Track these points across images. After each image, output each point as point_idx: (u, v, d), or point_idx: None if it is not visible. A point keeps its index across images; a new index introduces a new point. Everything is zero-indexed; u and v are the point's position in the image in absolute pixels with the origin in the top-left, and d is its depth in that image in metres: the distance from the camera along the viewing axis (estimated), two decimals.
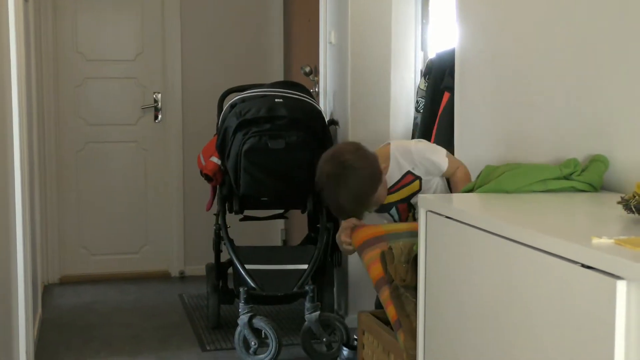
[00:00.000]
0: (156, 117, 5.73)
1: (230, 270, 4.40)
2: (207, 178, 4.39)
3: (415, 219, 2.83)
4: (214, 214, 4.44)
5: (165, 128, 5.75)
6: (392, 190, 3.01)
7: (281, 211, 4.81)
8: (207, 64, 5.75)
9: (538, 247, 1.46)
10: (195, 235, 5.70)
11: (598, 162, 2.09)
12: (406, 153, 3.01)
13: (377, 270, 2.51)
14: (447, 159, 2.98)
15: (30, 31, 4.55)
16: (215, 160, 4.31)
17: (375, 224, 2.80)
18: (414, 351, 2.15)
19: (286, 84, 4.48)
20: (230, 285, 4.40)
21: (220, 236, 4.37)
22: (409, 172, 3.01)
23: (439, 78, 3.60)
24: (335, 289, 4.43)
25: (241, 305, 3.93)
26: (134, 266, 5.74)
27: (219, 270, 4.45)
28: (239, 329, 3.90)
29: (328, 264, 4.36)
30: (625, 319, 1.24)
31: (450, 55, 3.31)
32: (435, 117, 3.59)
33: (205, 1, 5.75)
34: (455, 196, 2.51)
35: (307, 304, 3.93)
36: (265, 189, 4.18)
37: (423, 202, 1.99)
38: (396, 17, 4.30)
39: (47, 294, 5.27)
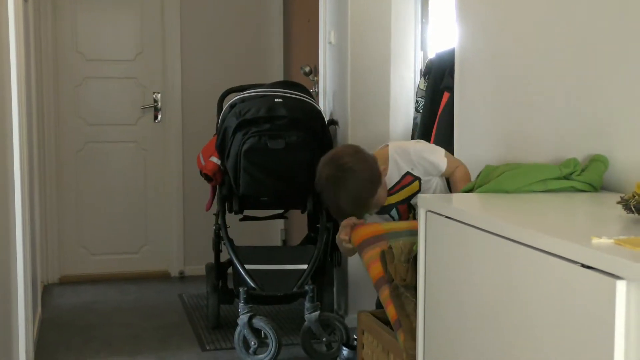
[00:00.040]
0: (156, 117, 5.73)
1: (230, 270, 4.40)
2: (207, 178, 4.39)
3: (415, 220, 2.83)
4: (214, 214, 4.44)
5: (165, 128, 5.76)
6: (391, 191, 3.01)
7: (281, 211, 4.81)
8: (206, 64, 5.75)
9: (538, 247, 1.46)
10: (195, 235, 5.70)
11: (598, 162, 2.09)
12: (405, 154, 3.01)
13: (377, 269, 2.51)
14: (445, 159, 2.98)
15: (30, 31, 4.55)
16: (215, 160, 4.31)
17: (374, 222, 2.80)
18: (414, 351, 2.15)
19: (286, 84, 4.48)
20: (230, 285, 4.40)
21: (220, 236, 4.37)
22: (408, 173, 3.01)
23: (439, 78, 3.60)
24: (335, 289, 4.43)
25: (241, 305, 3.93)
26: (133, 266, 5.74)
27: (218, 270, 4.45)
28: (238, 328, 3.90)
29: (328, 264, 4.36)
30: (625, 319, 1.24)
31: (450, 55, 3.31)
32: (435, 117, 3.59)
33: (205, 1, 5.76)
34: (455, 196, 2.51)
35: (307, 304, 3.93)
36: (265, 189, 4.18)
37: (422, 202, 1.99)
38: (396, 17, 4.30)
39: (46, 293, 5.27)
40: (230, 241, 4.22)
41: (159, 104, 5.72)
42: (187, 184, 5.72)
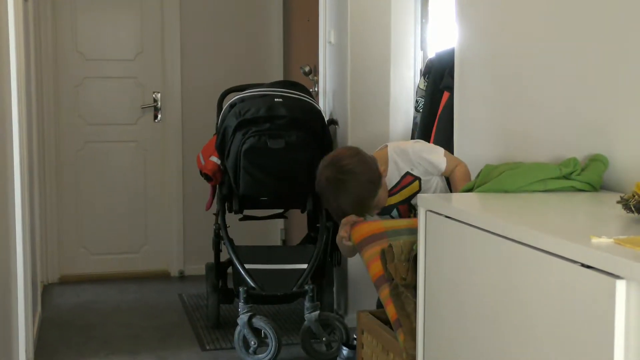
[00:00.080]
0: (156, 117, 5.73)
1: (229, 269, 4.40)
2: (207, 178, 4.39)
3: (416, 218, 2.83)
4: (214, 214, 4.44)
5: (165, 128, 5.76)
6: (392, 192, 3.02)
7: (281, 211, 4.81)
8: (206, 63, 5.75)
9: (538, 246, 1.46)
10: (194, 234, 5.70)
11: (597, 161, 2.09)
12: (404, 154, 3.01)
13: (377, 267, 2.50)
14: (445, 158, 2.98)
15: (30, 31, 4.55)
16: (215, 159, 4.30)
17: (374, 220, 2.80)
18: (414, 351, 2.15)
19: (286, 84, 4.48)
20: (230, 284, 4.40)
21: (219, 236, 4.37)
22: (408, 173, 3.01)
23: (439, 77, 3.60)
24: (334, 289, 4.43)
25: (241, 304, 3.93)
26: (133, 266, 5.74)
27: (218, 269, 4.45)
28: (238, 328, 3.90)
29: (327, 264, 4.36)
30: (624, 319, 1.24)
31: (449, 55, 3.31)
32: (435, 117, 3.58)
33: (205, 1, 5.75)
34: (455, 196, 2.51)
35: (307, 304, 3.93)
36: (264, 188, 4.17)
37: (422, 201, 1.99)
38: (395, 16, 4.30)
39: (46, 293, 5.27)
40: (230, 241, 4.22)
41: (159, 103, 5.72)
42: (187, 183, 5.72)
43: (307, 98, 4.29)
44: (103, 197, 5.67)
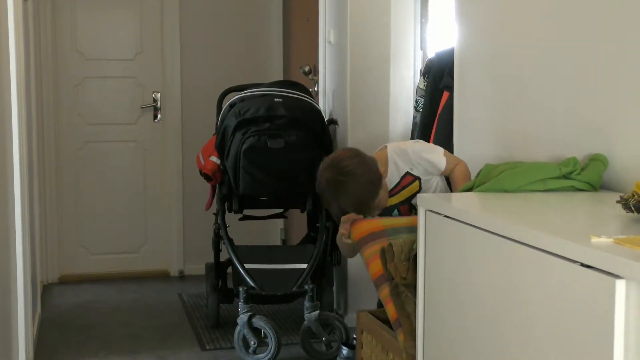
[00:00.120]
0: (155, 117, 5.73)
1: (229, 269, 4.40)
2: (207, 177, 4.39)
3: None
4: (214, 214, 4.44)
5: (165, 127, 5.75)
6: (392, 192, 3.02)
7: (280, 210, 4.81)
8: (206, 63, 5.75)
9: (537, 246, 1.46)
10: (194, 234, 5.70)
11: (597, 161, 2.09)
12: (403, 154, 3.02)
13: (376, 266, 2.50)
14: (445, 157, 2.98)
15: (30, 30, 4.55)
16: (215, 159, 4.30)
17: (374, 218, 2.80)
18: (414, 351, 2.15)
19: (285, 84, 4.48)
20: (230, 284, 4.40)
21: (219, 235, 4.37)
22: (407, 174, 3.01)
23: (438, 77, 3.60)
24: (334, 288, 4.43)
25: (240, 304, 3.93)
26: (133, 265, 5.74)
27: (218, 269, 4.45)
28: (238, 328, 3.90)
29: (327, 263, 4.36)
30: (624, 318, 1.24)
31: (449, 55, 3.31)
32: (435, 117, 3.58)
33: (205, 1, 5.75)
34: (455, 195, 2.51)
35: (307, 303, 3.93)
36: (264, 188, 4.17)
37: (422, 201, 1.99)
38: (395, 16, 4.30)
39: (46, 293, 5.27)
40: (230, 240, 4.22)
41: (159, 103, 5.72)
42: (187, 183, 5.72)
43: (306, 98, 4.29)
44: (103, 196, 5.67)
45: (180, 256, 5.81)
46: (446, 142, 3.16)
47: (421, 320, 2.03)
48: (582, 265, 1.33)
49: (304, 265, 4.10)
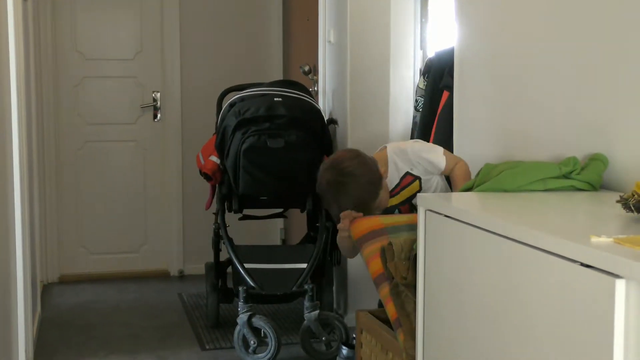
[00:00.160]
0: (155, 116, 5.73)
1: (229, 269, 4.40)
2: (206, 177, 4.39)
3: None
4: (213, 213, 4.44)
5: (165, 127, 5.75)
6: (392, 193, 3.02)
7: (280, 210, 4.81)
8: (206, 62, 5.75)
9: (537, 246, 1.46)
10: (194, 234, 5.70)
11: (597, 160, 2.09)
12: (403, 154, 3.02)
13: (376, 265, 2.50)
14: (444, 157, 2.98)
15: (30, 30, 4.55)
16: (215, 159, 4.30)
17: (374, 216, 2.79)
18: (414, 351, 2.15)
19: (285, 83, 4.48)
20: (230, 284, 4.40)
21: (219, 235, 4.37)
22: (407, 173, 3.01)
23: (438, 77, 3.60)
24: (334, 288, 4.43)
25: (240, 304, 3.93)
26: (133, 265, 5.74)
27: (218, 269, 4.45)
28: (238, 328, 3.90)
29: (327, 263, 4.36)
30: (624, 318, 1.24)
31: (449, 54, 3.31)
32: (435, 116, 3.59)
33: (205, 0, 5.75)
34: (454, 195, 2.51)
35: (306, 303, 3.93)
36: (264, 188, 4.17)
37: (422, 201, 1.99)
38: (395, 16, 4.30)
39: (46, 293, 5.27)
40: (230, 240, 4.22)
41: (159, 103, 5.72)
42: (187, 183, 5.72)
43: (306, 97, 4.29)
44: (103, 196, 5.67)
45: (180, 256, 5.81)
46: (446, 142, 3.16)
47: (421, 320, 2.03)
48: (582, 265, 1.33)
49: (304, 265, 4.10)
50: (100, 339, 4.32)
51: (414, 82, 4.30)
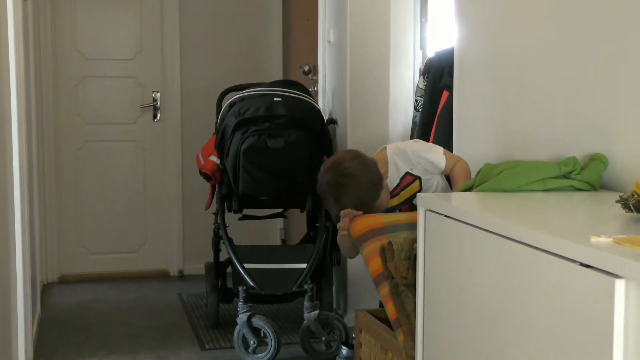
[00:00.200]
0: (155, 116, 5.73)
1: (229, 269, 4.40)
2: (206, 177, 4.39)
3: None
4: (213, 213, 4.44)
5: (164, 127, 5.75)
6: (393, 193, 3.01)
7: (280, 210, 4.81)
8: (206, 62, 5.75)
9: (537, 246, 1.46)
10: (194, 234, 5.70)
11: (597, 160, 2.09)
12: (402, 154, 3.02)
13: (376, 264, 2.49)
14: (444, 156, 2.98)
15: (29, 30, 4.55)
16: (214, 159, 4.30)
17: (373, 214, 2.79)
18: (413, 351, 2.15)
19: (285, 83, 4.48)
20: (229, 284, 4.40)
21: (219, 235, 4.37)
22: (407, 174, 3.01)
23: (438, 77, 3.60)
24: (334, 288, 4.43)
25: (240, 304, 3.93)
26: (133, 265, 5.74)
27: (218, 269, 4.45)
28: (238, 328, 3.90)
29: (327, 263, 4.36)
30: (623, 318, 1.24)
31: (449, 54, 3.31)
32: (434, 116, 3.59)
33: (205, 0, 5.75)
34: (454, 195, 2.51)
35: (306, 303, 3.93)
36: (264, 188, 4.17)
37: (422, 200, 1.99)
38: (395, 16, 4.30)
39: (46, 293, 5.27)
40: (230, 240, 4.22)
41: (158, 102, 5.72)
42: (187, 183, 5.72)
43: (306, 97, 4.29)
44: (102, 196, 5.67)
45: (180, 256, 5.81)
46: (446, 142, 3.16)
47: (421, 320, 2.03)
48: (582, 265, 1.33)
49: (304, 265, 4.10)
50: (100, 339, 4.32)
51: (414, 82, 4.30)
